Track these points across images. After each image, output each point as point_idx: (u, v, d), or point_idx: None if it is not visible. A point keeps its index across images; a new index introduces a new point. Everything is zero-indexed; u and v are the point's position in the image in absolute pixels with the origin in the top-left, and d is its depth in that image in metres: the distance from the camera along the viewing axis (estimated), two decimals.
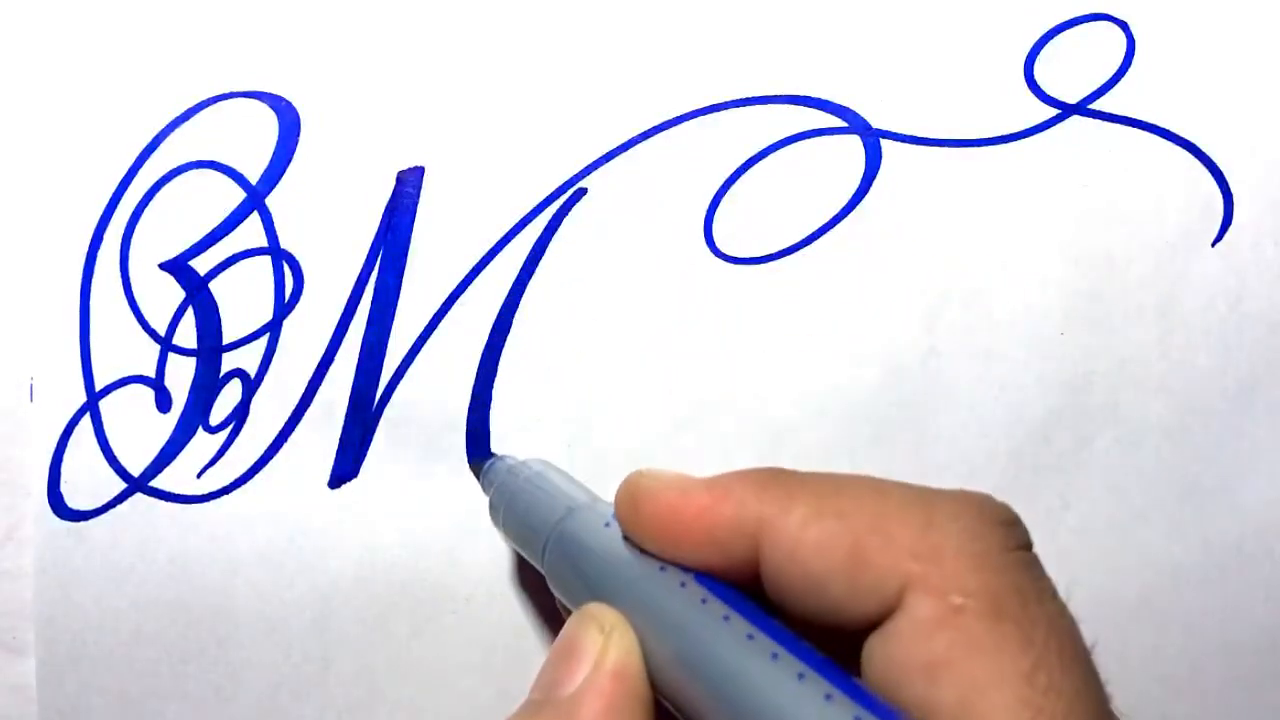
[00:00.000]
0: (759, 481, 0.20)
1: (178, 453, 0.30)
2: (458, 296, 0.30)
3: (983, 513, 0.18)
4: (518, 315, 0.31)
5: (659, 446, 0.31)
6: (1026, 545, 0.19)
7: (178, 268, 0.30)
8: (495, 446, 0.31)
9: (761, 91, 0.31)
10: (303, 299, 0.30)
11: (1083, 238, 0.31)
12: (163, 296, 0.30)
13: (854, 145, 0.31)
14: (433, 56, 0.30)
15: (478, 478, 0.31)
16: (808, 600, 0.19)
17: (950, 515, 0.18)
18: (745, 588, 0.20)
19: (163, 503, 0.30)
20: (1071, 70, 0.31)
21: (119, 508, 0.30)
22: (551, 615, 0.31)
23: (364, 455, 0.31)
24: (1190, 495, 0.32)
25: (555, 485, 0.27)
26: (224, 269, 0.30)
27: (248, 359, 0.30)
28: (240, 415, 0.30)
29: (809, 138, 0.31)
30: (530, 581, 0.31)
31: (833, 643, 0.18)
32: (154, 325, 0.30)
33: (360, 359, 0.30)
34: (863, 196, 0.31)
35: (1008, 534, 0.18)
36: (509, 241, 0.31)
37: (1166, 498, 0.32)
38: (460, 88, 0.30)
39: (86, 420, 0.30)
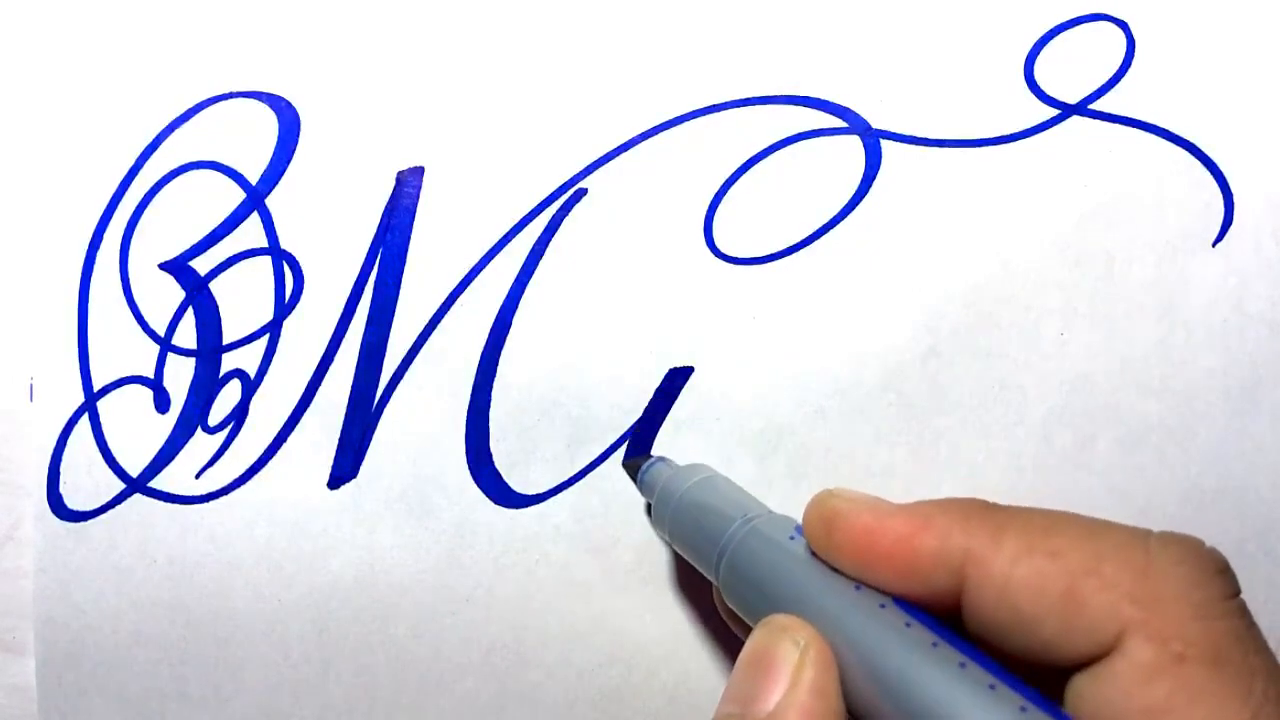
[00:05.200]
0: (963, 513, 0.20)
1: (177, 453, 0.30)
2: (458, 296, 0.30)
3: (1201, 560, 0.18)
4: (518, 315, 0.31)
5: (660, 447, 0.31)
6: (1238, 592, 0.19)
7: (178, 268, 0.30)
8: (494, 446, 0.31)
9: (761, 91, 0.31)
10: (303, 299, 0.30)
11: (1083, 238, 0.31)
12: (163, 296, 0.30)
13: (854, 145, 0.31)
14: (433, 56, 0.30)
15: (633, 477, 0.30)
16: (1013, 636, 0.19)
17: (1171, 560, 0.18)
18: (941, 617, 0.20)
19: (162, 503, 0.30)
20: (1071, 70, 0.31)
21: (118, 508, 0.30)
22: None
23: (364, 455, 0.31)
24: (1191, 496, 0.32)
25: (726, 493, 0.26)
26: (224, 269, 0.30)
27: (248, 359, 0.30)
28: (240, 415, 0.30)
29: (809, 138, 0.31)
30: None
31: (1030, 677, 0.18)
32: (153, 325, 0.30)
33: (360, 359, 0.30)
34: (863, 196, 0.31)
35: (1224, 582, 0.18)
36: (509, 241, 0.31)
37: (1167, 498, 0.32)
38: (460, 88, 0.30)
39: (85, 421, 0.30)
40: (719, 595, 0.26)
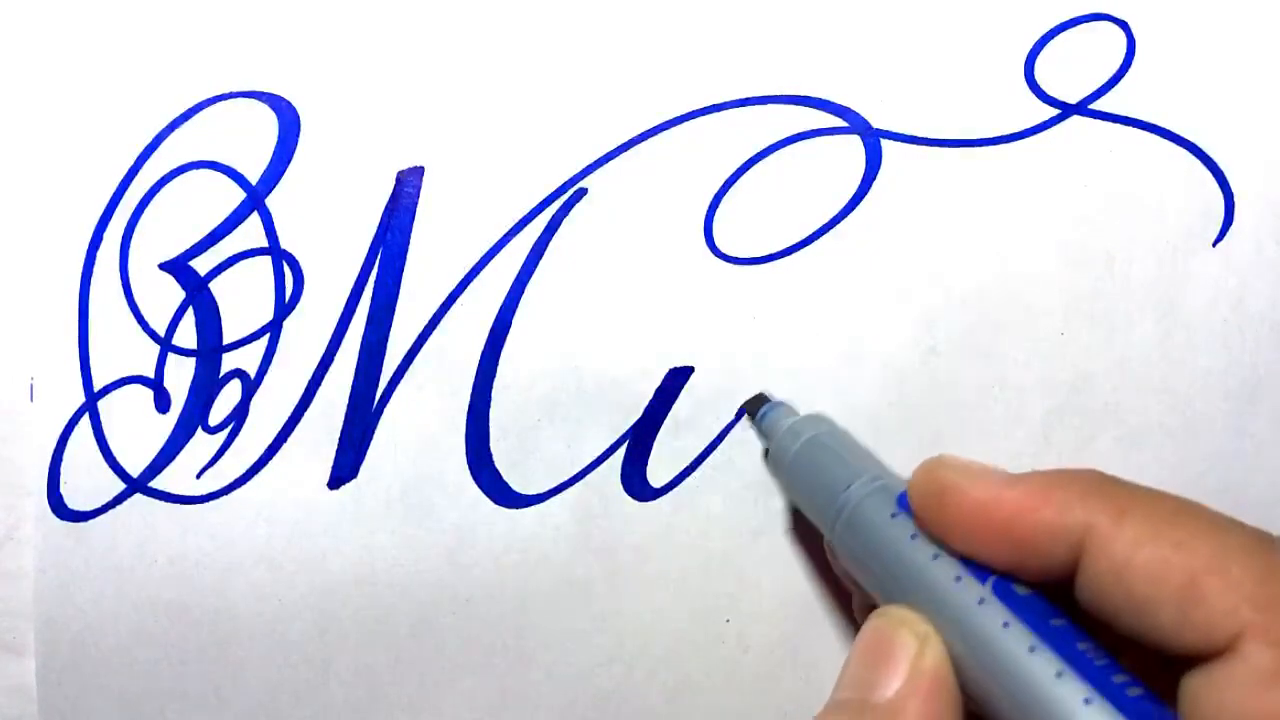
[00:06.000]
0: (1082, 487, 0.19)
1: (177, 453, 0.30)
2: (458, 296, 0.30)
3: None
4: (518, 315, 0.31)
5: (660, 447, 0.31)
6: None
7: (178, 268, 0.30)
8: (494, 446, 0.31)
9: (761, 91, 0.31)
10: (303, 299, 0.30)
11: (1083, 238, 0.31)
12: (163, 296, 0.30)
13: (854, 145, 0.31)
14: (433, 56, 0.30)
15: (751, 417, 0.30)
16: (1125, 618, 0.18)
17: None
18: (1047, 589, 0.19)
19: (162, 503, 0.30)
20: (1071, 70, 0.31)
21: (119, 508, 0.30)
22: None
23: (364, 455, 0.31)
24: (1191, 496, 0.32)
25: (845, 450, 0.27)
26: (224, 269, 0.30)
27: (248, 359, 0.30)
28: (240, 416, 0.30)
29: (809, 138, 0.31)
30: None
31: (1140, 663, 0.18)
32: (154, 325, 0.30)
33: (360, 359, 0.30)
34: (863, 196, 0.31)
35: None
36: (509, 241, 0.31)
37: None
38: (460, 88, 0.30)
39: (86, 420, 0.30)
40: (830, 548, 0.26)
